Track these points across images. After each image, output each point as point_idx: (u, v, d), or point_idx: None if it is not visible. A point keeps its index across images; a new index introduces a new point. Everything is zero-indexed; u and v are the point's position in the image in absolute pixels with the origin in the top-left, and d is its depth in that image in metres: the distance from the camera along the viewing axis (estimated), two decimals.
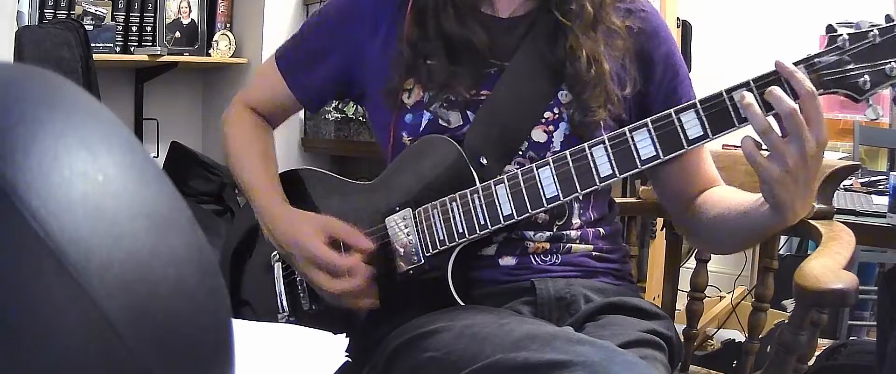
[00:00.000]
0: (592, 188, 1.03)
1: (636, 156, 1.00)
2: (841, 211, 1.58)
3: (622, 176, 1.02)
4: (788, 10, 3.33)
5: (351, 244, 1.13)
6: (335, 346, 0.67)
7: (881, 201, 1.77)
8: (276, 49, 1.32)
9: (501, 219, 1.06)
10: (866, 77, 0.94)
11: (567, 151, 1.04)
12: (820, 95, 0.94)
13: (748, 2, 3.52)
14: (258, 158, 1.27)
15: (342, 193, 1.23)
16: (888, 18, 0.94)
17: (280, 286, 1.24)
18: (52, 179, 0.37)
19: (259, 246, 1.29)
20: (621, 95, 1.13)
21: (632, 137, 1.01)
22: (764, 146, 0.96)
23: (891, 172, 1.91)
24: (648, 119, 1.00)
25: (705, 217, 1.16)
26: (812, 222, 1.23)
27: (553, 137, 1.12)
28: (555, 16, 1.13)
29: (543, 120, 1.13)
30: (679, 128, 0.98)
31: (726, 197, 1.16)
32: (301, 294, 1.22)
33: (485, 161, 1.10)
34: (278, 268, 1.25)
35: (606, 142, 1.02)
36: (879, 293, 2.10)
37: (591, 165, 1.02)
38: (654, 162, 1.00)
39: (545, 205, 1.05)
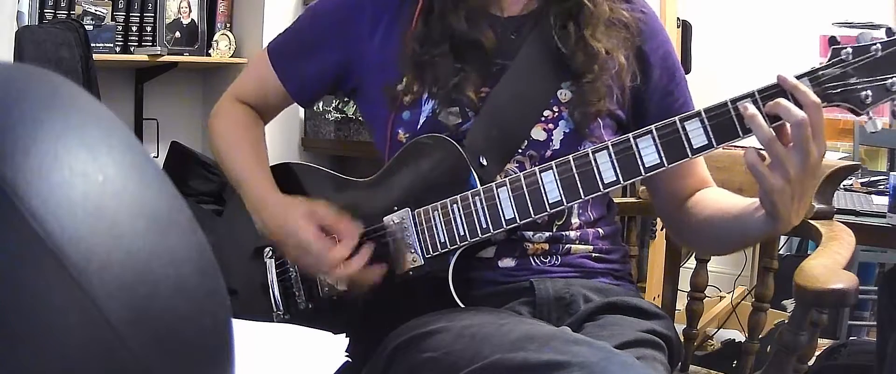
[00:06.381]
0: (596, 194, 1.03)
1: (640, 163, 1.00)
2: (841, 211, 1.58)
3: (626, 183, 1.02)
4: (788, 10, 3.33)
5: (339, 235, 1.12)
6: (335, 346, 0.67)
7: (881, 201, 1.77)
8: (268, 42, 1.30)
9: (503, 222, 1.06)
10: (868, 91, 0.94)
11: (570, 156, 1.03)
12: (823, 107, 0.95)
13: (748, 2, 3.52)
14: (248, 151, 1.25)
15: (336, 189, 1.22)
16: (889, 32, 0.94)
17: (274, 285, 1.23)
18: (52, 179, 0.37)
19: (239, 229, 1.27)
20: (623, 86, 1.13)
21: (636, 144, 1.00)
22: (767, 158, 0.96)
23: (891, 172, 1.91)
24: (653, 126, 1.00)
25: (697, 218, 1.17)
26: (812, 222, 1.23)
27: (553, 135, 1.12)
28: (563, 10, 1.13)
29: (543, 118, 1.13)
30: (683, 136, 0.99)
31: (719, 200, 1.16)
32: (296, 292, 1.21)
33: (485, 162, 1.10)
34: (271, 264, 1.23)
35: (610, 148, 1.01)
36: (879, 293, 2.09)
37: (595, 170, 1.02)
38: (658, 170, 1.00)
39: (548, 209, 1.04)
